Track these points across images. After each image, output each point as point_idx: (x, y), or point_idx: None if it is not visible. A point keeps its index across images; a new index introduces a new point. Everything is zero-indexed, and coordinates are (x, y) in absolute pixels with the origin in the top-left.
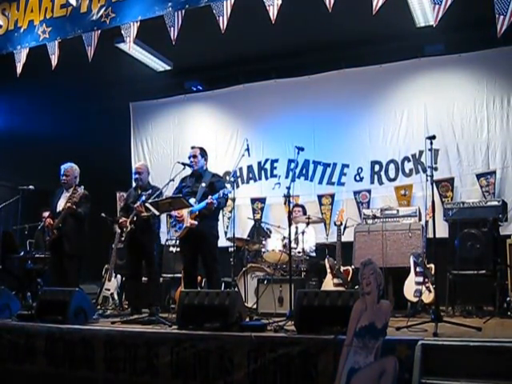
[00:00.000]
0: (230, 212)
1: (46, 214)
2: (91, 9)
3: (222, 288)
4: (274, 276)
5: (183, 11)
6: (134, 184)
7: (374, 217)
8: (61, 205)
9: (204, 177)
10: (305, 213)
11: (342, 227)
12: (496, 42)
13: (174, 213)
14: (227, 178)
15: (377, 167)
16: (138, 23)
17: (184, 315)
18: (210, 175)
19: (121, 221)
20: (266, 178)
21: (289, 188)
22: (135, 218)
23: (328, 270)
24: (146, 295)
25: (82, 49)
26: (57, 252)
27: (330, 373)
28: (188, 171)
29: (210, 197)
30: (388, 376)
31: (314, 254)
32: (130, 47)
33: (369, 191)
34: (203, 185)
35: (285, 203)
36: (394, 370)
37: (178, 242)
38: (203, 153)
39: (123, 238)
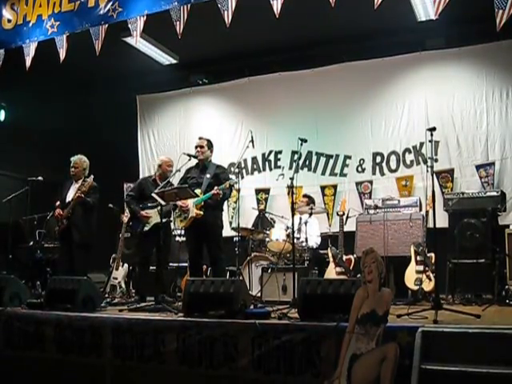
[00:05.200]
0: (235, 202)
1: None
2: (98, 3)
3: (227, 277)
4: (278, 265)
5: (189, 5)
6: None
7: (376, 207)
8: (70, 195)
9: (208, 168)
10: (309, 203)
11: (345, 217)
12: (495, 36)
13: (179, 203)
14: (232, 169)
15: (378, 158)
16: (145, 17)
17: (190, 303)
18: (214, 166)
19: (144, 214)
20: (270, 169)
21: (292, 179)
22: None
23: (331, 259)
24: (157, 283)
25: (89, 43)
26: (66, 241)
27: (332, 359)
28: (192, 162)
29: (216, 187)
30: (389, 362)
31: (317, 246)
32: (136, 41)
33: (370, 182)
34: (208, 176)
35: (288, 194)
36: (394, 356)
37: (183, 231)
38: (210, 144)
39: (146, 228)
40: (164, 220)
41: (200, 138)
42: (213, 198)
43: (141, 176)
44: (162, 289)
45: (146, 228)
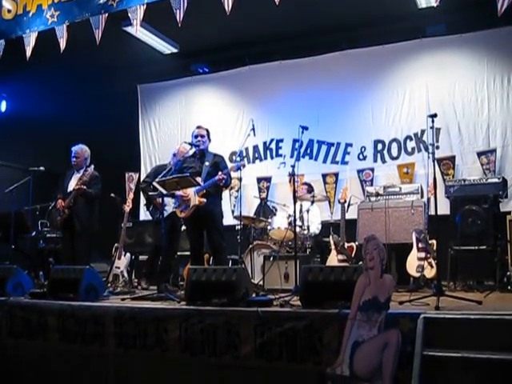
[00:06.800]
0: (237, 191)
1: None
2: None
3: (229, 265)
4: (280, 253)
5: None
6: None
7: (377, 194)
8: (72, 185)
9: (206, 156)
10: (310, 191)
11: (346, 205)
12: (496, 22)
13: (179, 193)
14: (233, 157)
15: (380, 146)
16: (145, 6)
17: (192, 291)
18: (211, 155)
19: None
20: (272, 158)
21: (294, 167)
22: None
23: (332, 247)
24: (162, 272)
25: (89, 32)
26: (68, 231)
27: (334, 346)
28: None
29: (220, 173)
30: (391, 348)
31: (318, 232)
32: (136, 30)
33: (372, 169)
34: (207, 164)
35: (290, 182)
36: (396, 342)
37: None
38: (208, 133)
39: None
40: (172, 210)
41: (199, 127)
42: (218, 182)
43: (142, 165)
44: (166, 278)
45: None
